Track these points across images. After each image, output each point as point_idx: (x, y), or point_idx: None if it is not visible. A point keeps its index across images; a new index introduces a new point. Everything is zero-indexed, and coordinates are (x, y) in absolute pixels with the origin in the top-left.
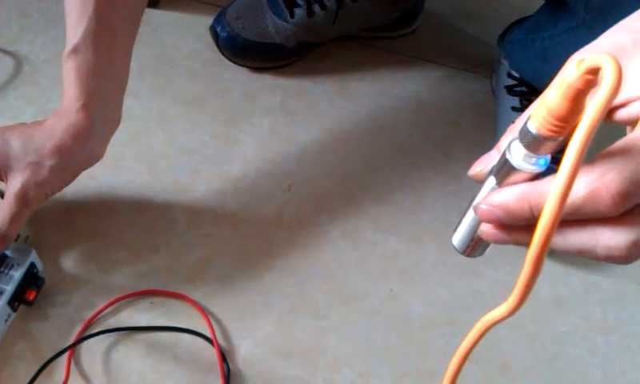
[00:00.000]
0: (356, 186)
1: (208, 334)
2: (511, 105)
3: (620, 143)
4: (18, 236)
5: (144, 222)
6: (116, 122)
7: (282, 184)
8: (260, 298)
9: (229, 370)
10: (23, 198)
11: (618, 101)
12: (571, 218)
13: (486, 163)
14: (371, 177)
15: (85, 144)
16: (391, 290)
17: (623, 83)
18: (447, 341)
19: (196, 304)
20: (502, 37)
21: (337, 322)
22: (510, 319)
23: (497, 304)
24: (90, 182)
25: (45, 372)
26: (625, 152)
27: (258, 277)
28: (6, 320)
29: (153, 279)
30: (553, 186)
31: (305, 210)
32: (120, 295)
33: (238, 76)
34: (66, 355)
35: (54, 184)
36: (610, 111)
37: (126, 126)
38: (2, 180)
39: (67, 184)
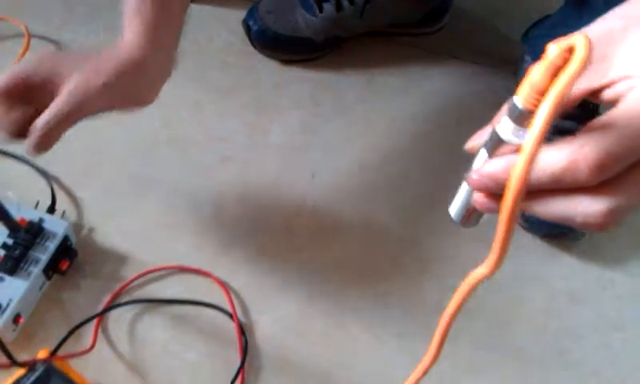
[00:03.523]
0: (377, 175)
1: (229, 309)
2: None
3: (601, 119)
4: (55, 210)
5: (173, 202)
6: (167, 71)
7: (306, 172)
8: (280, 279)
9: (247, 343)
10: (75, 98)
11: (604, 81)
12: (553, 187)
13: (480, 137)
14: (392, 167)
15: (136, 76)
16: (407, 276)
17: (609, 65)
18: (462, 326)
19: (219, 281)
20: (526, 33)
21: (352, 302)
22: (525, 310)
23: (509, 295)
24: (125, 162)
25: (74, 336)
26: (604, 127)
27: (279, 259)
28: (41, 287)
29: (179, 256)
30: (525, 143)
31: (327, 197)
32: (147, 269)
33: (269, 68)
34: (94, 322)
35: (103, 100)
36: (597, 91)
37: (161, 113)
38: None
39: (112, 109)
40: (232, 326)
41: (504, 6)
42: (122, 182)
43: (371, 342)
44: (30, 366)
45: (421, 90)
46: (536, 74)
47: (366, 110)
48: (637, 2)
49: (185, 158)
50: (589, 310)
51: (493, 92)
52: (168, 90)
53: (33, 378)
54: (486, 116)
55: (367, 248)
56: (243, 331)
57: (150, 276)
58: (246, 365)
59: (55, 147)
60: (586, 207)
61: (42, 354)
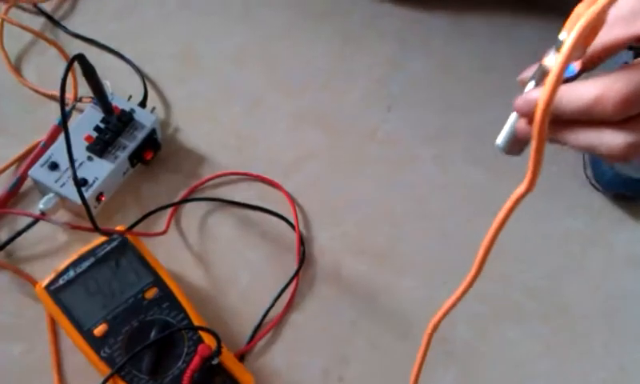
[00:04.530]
0: (455, 117)
1: (292, 220)
2: (624, 60)
3: (637, 61)
4: (145, 105)
5: (255, 115)
6: None
7: (382, 103)
8: (343, 200)
9: (304, 252)
10: None
11: None
12: (583, 118)
13: (532, 70)
14: (471, 111)
15: None
16: (469, 218)
17: None
18: (513, 273)
19: (287, 194)
20: None
21: (411, 234)
22: (581, 268)
23: (568, 251)
24: (215, 72)
25: (148, 220)
26: (637, 68)
27: (346, 181)
28: (124, 173)
29: (254, 165)
30: (555, 61)
31: (400, 130)
32: (223, 171)
33: (362, 0)
34: (169, 210)
35: None
36: None
37: (254, 31)
38: None
39: None
40: (293, 236)
41: None
42: (211, 90)
43: (421, 275)
44: (109, 234)
45: (511, 38)
46: (579, 8)
47: (451, 52)
48: None
49: (271, 75)
50: None
51: None
52: (264, 10)
53: (110, 246)
54: None
55: (434, 185)
56: (303, 242)
57: (225, 178)
58: (301, 272)
59: (153, 50)
60: (609, 139)
61: (119, 229)
